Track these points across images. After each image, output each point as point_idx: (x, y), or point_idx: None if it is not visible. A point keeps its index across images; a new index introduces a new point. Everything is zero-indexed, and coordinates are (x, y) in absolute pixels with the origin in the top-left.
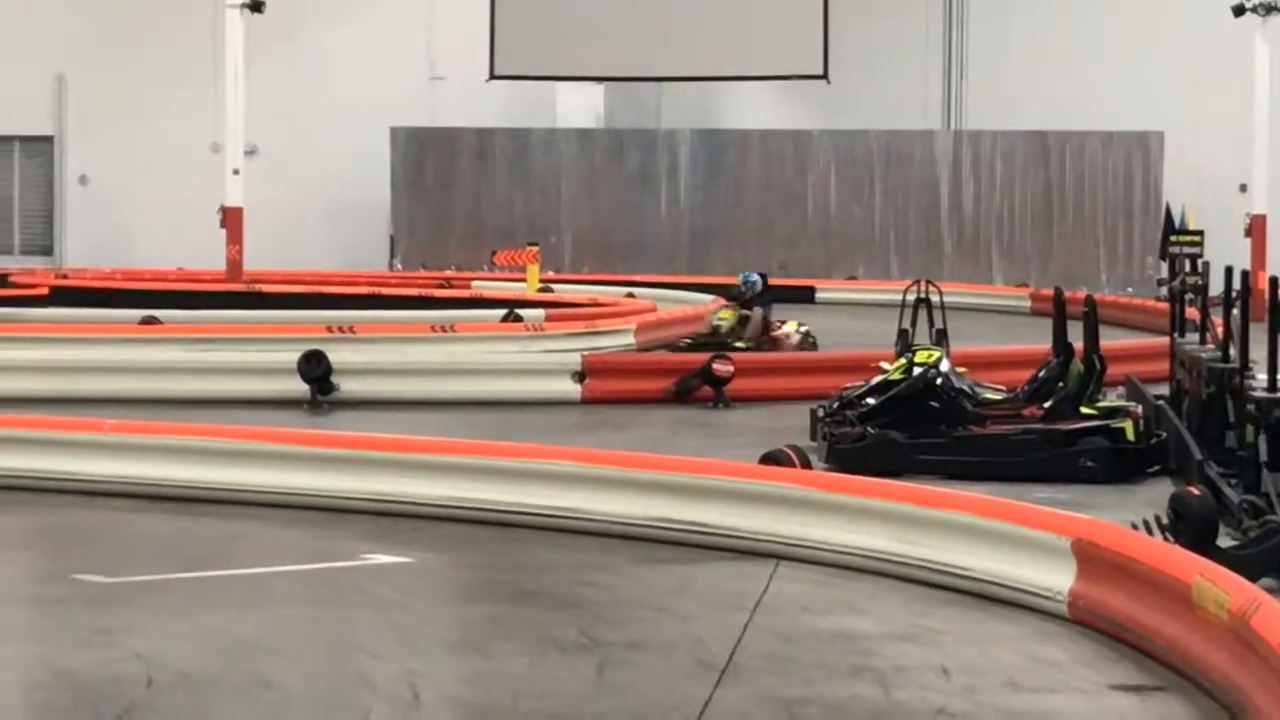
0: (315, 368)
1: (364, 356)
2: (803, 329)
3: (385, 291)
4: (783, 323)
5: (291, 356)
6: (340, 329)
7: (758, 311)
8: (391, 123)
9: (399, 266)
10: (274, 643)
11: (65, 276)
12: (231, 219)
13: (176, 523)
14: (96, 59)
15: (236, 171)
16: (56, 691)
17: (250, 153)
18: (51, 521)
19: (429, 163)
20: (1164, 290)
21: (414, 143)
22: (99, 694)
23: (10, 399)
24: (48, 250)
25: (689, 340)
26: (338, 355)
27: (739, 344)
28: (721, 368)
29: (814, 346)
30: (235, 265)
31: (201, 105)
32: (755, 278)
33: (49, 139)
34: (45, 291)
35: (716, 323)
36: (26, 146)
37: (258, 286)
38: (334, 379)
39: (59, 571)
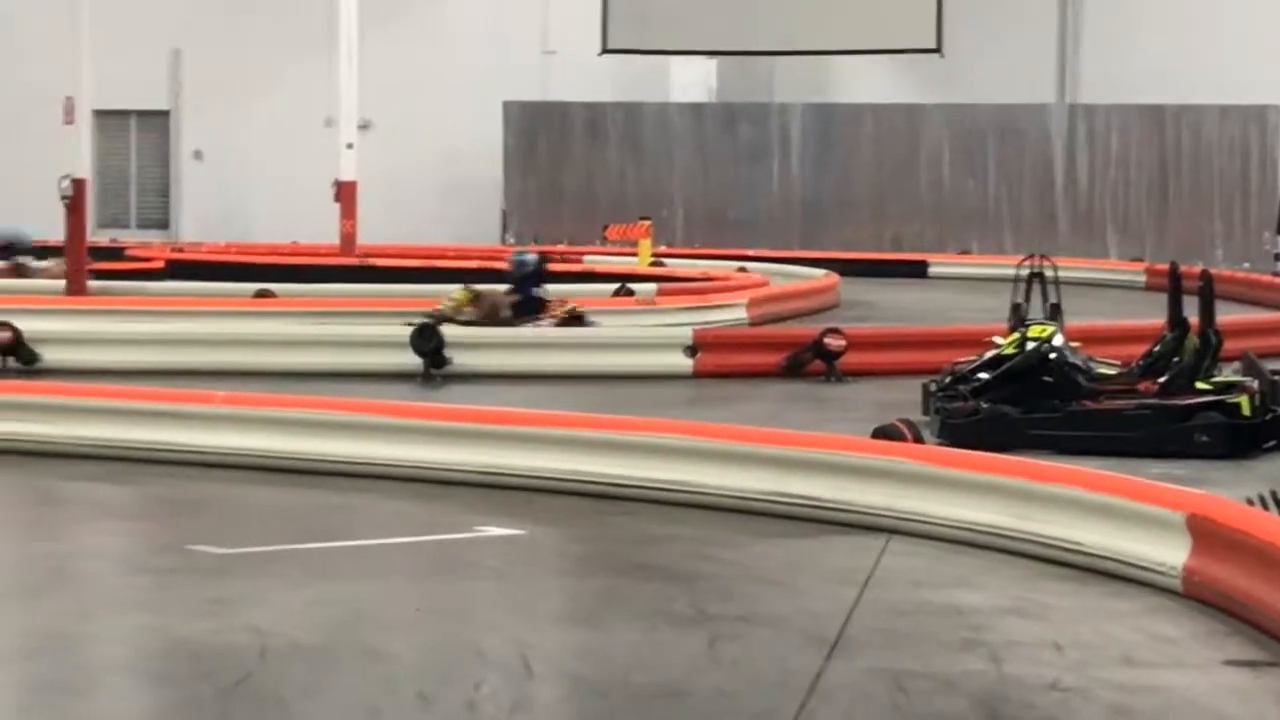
0: (428, 341)
1: (476, 330)
2: (569, 312)
3: (497, 265)
4: (561, 304)
5: (404, 330)
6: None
7: (494, 291)
8: (503, 97)
9: (512, 240)
10: (386, 614)
11: (181, 250)
12: (345, 193)
13: (289, 494)
14: (212, 33)
15: (350, 146)
16: (172, 661)
17: (364, 127)
18: (166, 493)
19: (541, 137)
20: None
21: (527, 117)
22: (214, 664)
23: (126, 371)
24: (164, 224)
25: (413, 324)
26: (450, 329)
27: (468, 323)
28: (834, 342)
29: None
30: (349, 239)
31: (316, 79)
32: (529, 258)
33: (165, 114)
34: (161, 265)
35: (446, 302)
36: (143, 121)
37: (371, 260)
38: (446, 352)
39: (174, 542)
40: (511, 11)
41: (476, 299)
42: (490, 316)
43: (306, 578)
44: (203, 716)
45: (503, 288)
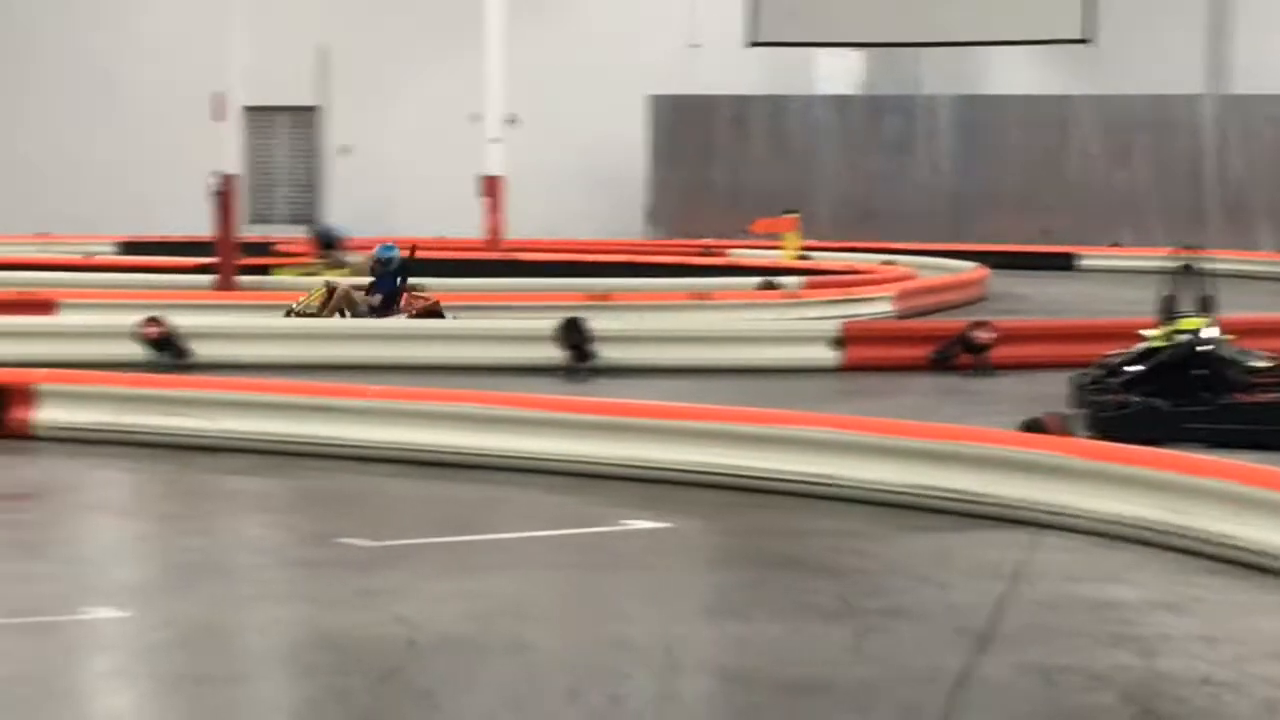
0: (574, 335)
1: (621, 324)
2: (427, 306)
3: (642, 259)
4: (425, 298)
5: (550, 324)
6: (598, 296)
7: (343, 285)
8: (648, 90)
9: (661, 234)
10: (533, 606)
11: None
12: (491, 188)
13: (438, 487)
14: (359, 30)
15: (496, 140)
16: (322, 652)
17: (509, 121)
18: (316, 486)
19: (686, 130)
20: None
21: (672, 110)
22: (362, 655)
23: (276, 365)
24: (311, 220)
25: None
26: (595, 322)
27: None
28: (982, 335)
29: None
30: (495, 234)
31: (461, 73)
32: (393, 253)
33: (312, 110)
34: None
35: (301, 299)
36: (292, 117)
37: (517, 254)
38: (592, 346)
39: (324, 534)
40: (657, 5)
41: (330, 294)
42: (343, 309)
43: (454, 570)
44: (351, 707)
45: (365, 281)
